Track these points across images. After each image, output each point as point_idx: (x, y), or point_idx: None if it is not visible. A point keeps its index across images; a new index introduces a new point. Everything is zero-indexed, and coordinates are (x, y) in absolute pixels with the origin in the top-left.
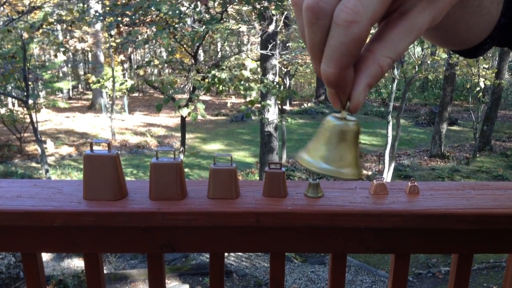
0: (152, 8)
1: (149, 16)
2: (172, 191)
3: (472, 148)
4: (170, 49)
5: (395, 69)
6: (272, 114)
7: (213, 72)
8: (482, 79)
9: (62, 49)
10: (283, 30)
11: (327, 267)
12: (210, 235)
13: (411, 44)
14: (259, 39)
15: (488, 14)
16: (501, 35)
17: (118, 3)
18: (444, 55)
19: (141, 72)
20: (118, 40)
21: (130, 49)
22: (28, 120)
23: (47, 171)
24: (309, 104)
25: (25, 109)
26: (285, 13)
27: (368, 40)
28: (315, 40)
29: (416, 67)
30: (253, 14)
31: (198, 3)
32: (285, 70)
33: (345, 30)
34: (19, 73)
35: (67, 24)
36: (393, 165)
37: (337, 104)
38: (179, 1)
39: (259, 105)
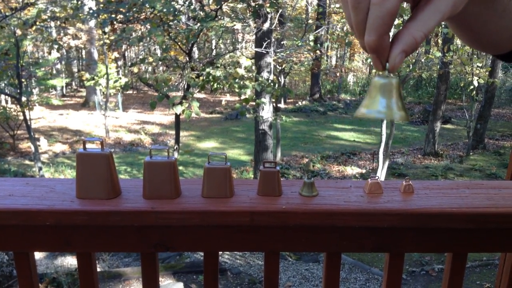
0: (146, 5)
1: (143, 13)
2: (166, 190)
3: (466, 146)
4: (164, 47)
5: None
6: (266, 112)
7: (207, 69)
8: (476, 78)
9: (55, 46)
10: (278, 28)
11: (321, 265)
12: (204, 234)
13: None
14: (254, 37)
15: None
16: None
17: (112, 0)
18: (438, 54)
19: (135, 70)
20: (112, 37)
21: (124, 47)
22: (21, 117)
23: (40, 168)
24: (304, 102)
25: (18, 106)
26: (280, 10)
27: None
28: (359, 19)
29: (410, 65)
30: (247, 11)
31: (193, 0)
32: (280, 68)
33: (380, 6)
34: (12, 70)
35: (61, 21)
36: (387, 163)
37: (378, 66)
38: None
39: (254, 103)
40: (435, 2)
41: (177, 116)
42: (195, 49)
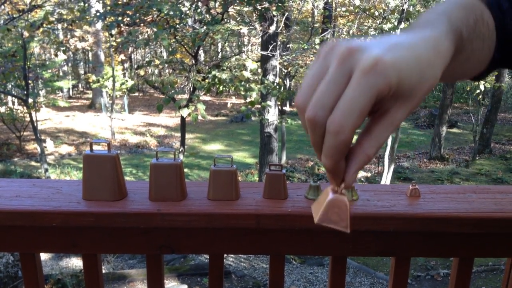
0: (153, 8)
1: (150, 16)
2: (172, 192)
3: (472, 150)
4: (170, 49)
5: None
6: (272, 115)
7: (213, 72)
8: (482, 82)
9: (62, 48)
10: (284, 31)
11: (325, 268)
12: (210, 236)
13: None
14: (260, 40)
15: (482, 55)
16: (496, 66)
17: (119, 2)
18: None
19: (142, 72)
20: (118, 40)
21: (130, 49)
22: (28, 118)
23: (46, 170)
24: None
25: (25, 107)
26: (286, 14)
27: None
28: (315, 140)
29: None
30: (254, 15)
31: (199, 3)
32: (286, 71)
33: (334, 137)
34: (19, 71)
35: (68, 23)
36: (392, 167)
37: (333, 183)
38: (180, 1)
39: (259, 106)
40: (389, 115)
41: (183, 119)
42: (201, 52)
